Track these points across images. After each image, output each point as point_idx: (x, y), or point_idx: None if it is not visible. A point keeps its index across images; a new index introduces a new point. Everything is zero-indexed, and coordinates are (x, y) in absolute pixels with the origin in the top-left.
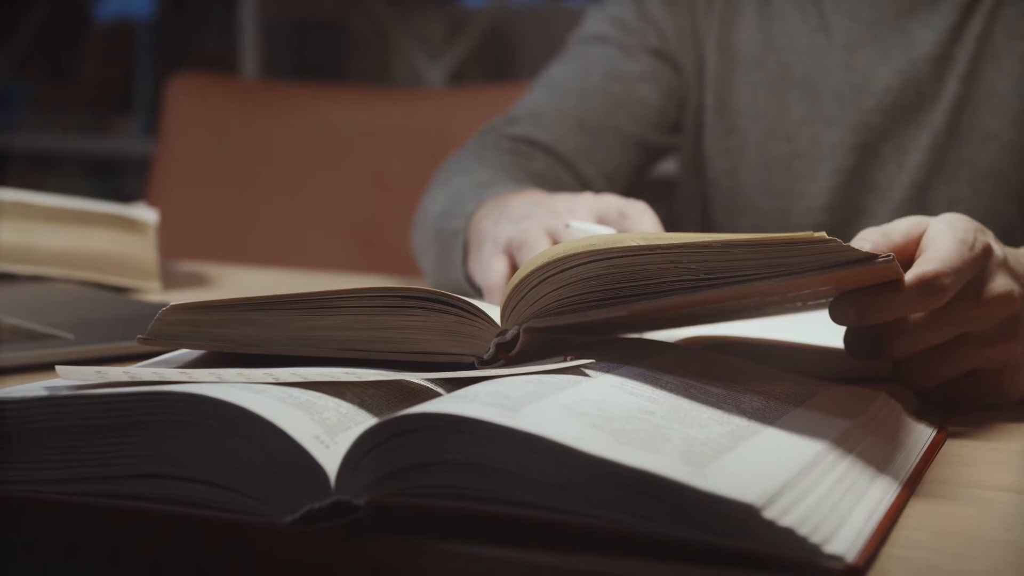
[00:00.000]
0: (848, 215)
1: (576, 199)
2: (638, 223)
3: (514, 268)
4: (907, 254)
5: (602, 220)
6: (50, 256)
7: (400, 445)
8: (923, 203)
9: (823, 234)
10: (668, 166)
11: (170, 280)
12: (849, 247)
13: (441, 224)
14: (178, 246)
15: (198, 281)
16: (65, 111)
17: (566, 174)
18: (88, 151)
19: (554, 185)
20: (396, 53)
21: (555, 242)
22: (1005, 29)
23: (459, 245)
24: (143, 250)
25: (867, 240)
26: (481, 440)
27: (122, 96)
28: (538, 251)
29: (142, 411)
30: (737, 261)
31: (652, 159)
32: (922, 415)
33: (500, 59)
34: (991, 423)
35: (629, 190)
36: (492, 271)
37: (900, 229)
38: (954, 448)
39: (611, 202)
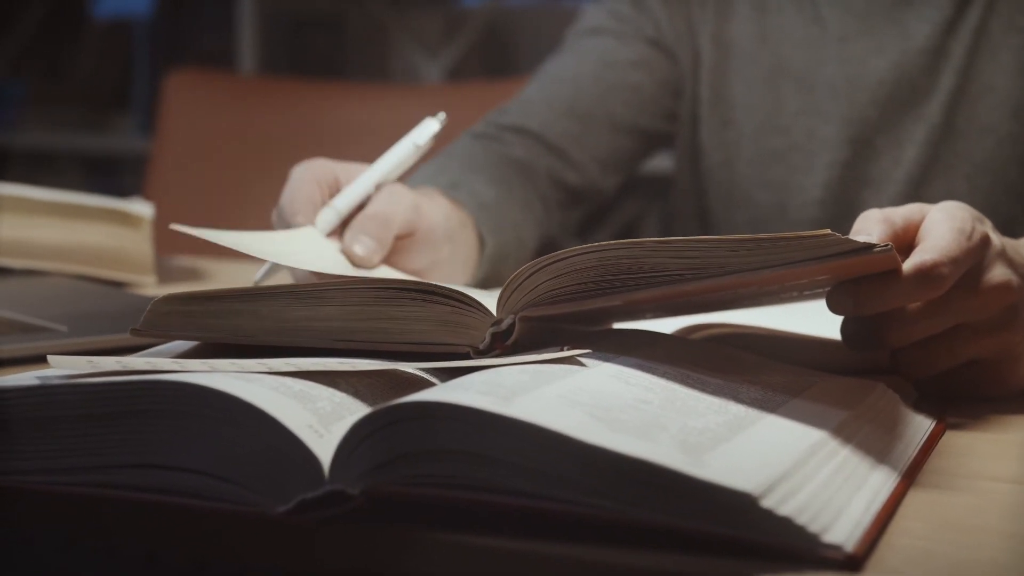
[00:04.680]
0: (843, 209)
1: None
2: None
3: None
4: (906, 241)
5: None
6: (45, 250)
7: (394, 434)
8: (919, 198)
9: (826, 231)
10: (665, 161)
11: (165, 274)
12: (846, 238)
13: None
14: (174, 241)
15: (193, 275)
16: (62, 108)
17: (553, 159)
18: (85, 148)
19: (533, 170)
20: (394, 51)
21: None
22: (1001, 23)
23: None
24: (138, 244)
25: (870, 220)
26: (475, 429)
27: (119, 93)
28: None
29: (134, 400)
30: (734, 256)
31: (649, 147)
32: (921, 406)
33: (498, 57)
34: (990, 414)
35: (627, 179)
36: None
37: (902, 213)
38: (953, 439)
39: None
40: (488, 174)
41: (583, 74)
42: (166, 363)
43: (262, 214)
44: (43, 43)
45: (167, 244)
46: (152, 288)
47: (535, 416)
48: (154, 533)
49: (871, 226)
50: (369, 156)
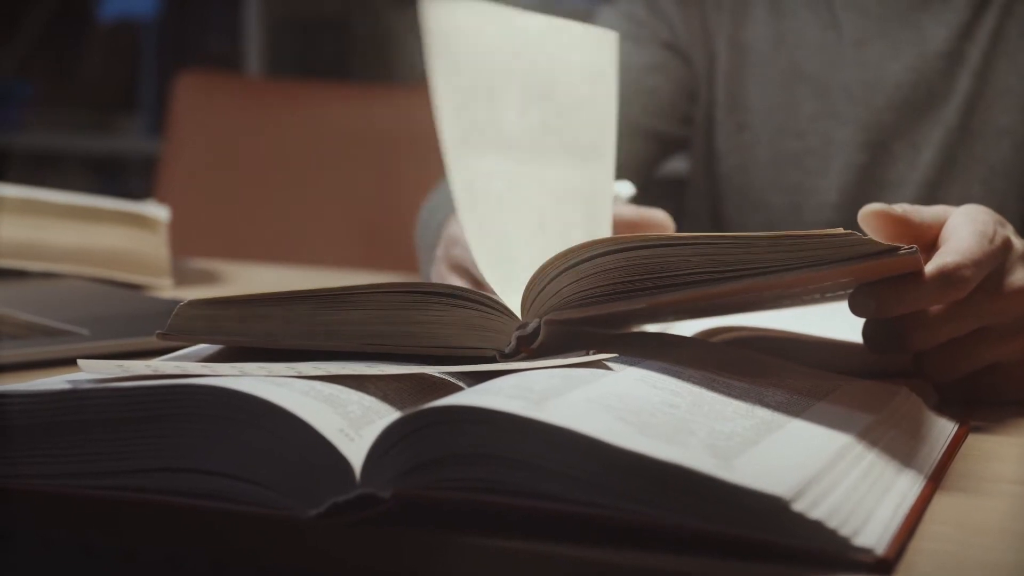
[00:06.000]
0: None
1: None
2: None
3: (474, 281)
4: (930, 237)
5: None
6: (61, 253)
7: (425, 438)
8: (935, 201)
9: (850, 232)
10: (679, 164)
11: (181, 277)
12: (871, 240)
13: (421, 236)
14: (184, 243)
15: (209, 278)
16: (68, 110)
17: None
18: (91, 150)
19: None
20: (399, 53)
21: None
22: (1018, 26)
23: (430, 261)
24: (154, 247)
25: (894, 210)
26: (507, 433)
27: (125, 95)
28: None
29: (165, 404)
30: (759, 255)
31: (665, 151)
32: (943, 410)
33: None
34: (1012, 418)
35: (643, 184)
36: None
37: (929, 212)
38: (976, 442)
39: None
40: None
41: None
42: (196, 367)
43: (270, 214)
44: (49, 44)
45: (182, 246)
46: (168, 291)
47: (567, 420)
48: (185, 536)
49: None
50: (373, 157)
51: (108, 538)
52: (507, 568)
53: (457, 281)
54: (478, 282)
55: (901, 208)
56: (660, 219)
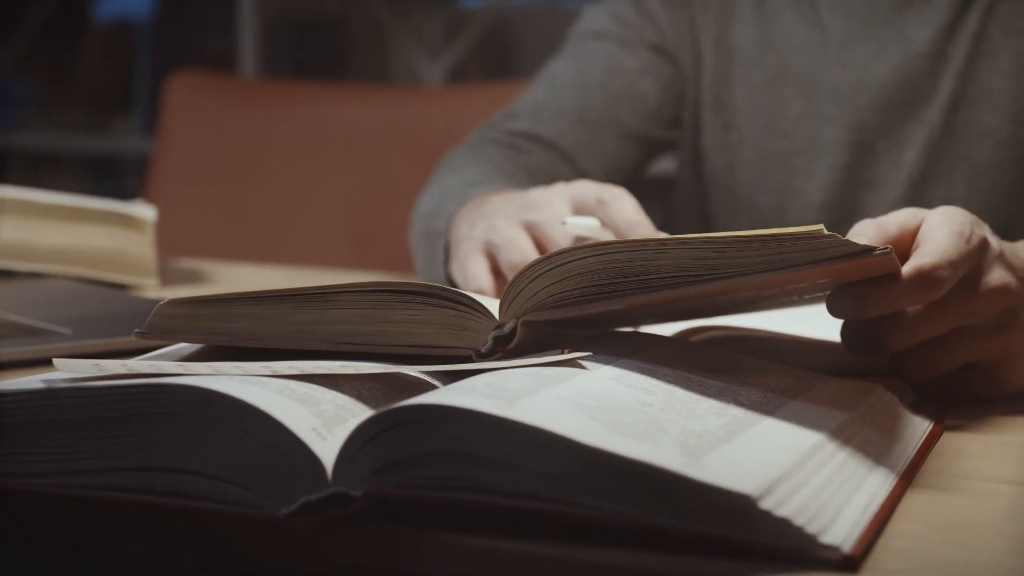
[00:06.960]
0: (844, 212)
1: (551, 190)
2: (618, 208)
3: (495, 267)
4: (903, 246)
5: (580, 208)
6: (48, 252)
7: (397, 436)
8: (919, 200)
9: (820, 227)
10: (666, 164)
11: (168, 277)
12: (846, 240)
13: (428, 224)
14: (176, 243)
15: (196, 278)
16: (64, 110)
17: (566, 168)
18: (87, 150)
19: (553, 180)
20: (395, 53)
21: (535, 237)
22: (1001, 26)
23: (440, 246)
24: (141, 247)
25: (862, 234)
26: (478, 431)
27: (121, 95)
28: (516, 245)
29: (139, 403)
30: (735, 257)
31: (652, 154)
32: (918, 408)
33: (499, 59)
34: (987, 416)
35: (629, 186)
36: (470, 273)
37: (896, 221)
38: (951, 440)
39: (588, 189)
40: (507, 178)
41: (590, 81)
42: (171, 366)
43: (264, 215)
44: (46, 45)
45: (169, 247)
46: (154, 291)
47: (538, 419)
48: (158, 535)
49: (866, 234)
50: (368, 158)
51: (90, 536)
52: (479, 565)
53: (480, 262)
54: (498, 269)
55: (875, 222)
56: (619, 193)
